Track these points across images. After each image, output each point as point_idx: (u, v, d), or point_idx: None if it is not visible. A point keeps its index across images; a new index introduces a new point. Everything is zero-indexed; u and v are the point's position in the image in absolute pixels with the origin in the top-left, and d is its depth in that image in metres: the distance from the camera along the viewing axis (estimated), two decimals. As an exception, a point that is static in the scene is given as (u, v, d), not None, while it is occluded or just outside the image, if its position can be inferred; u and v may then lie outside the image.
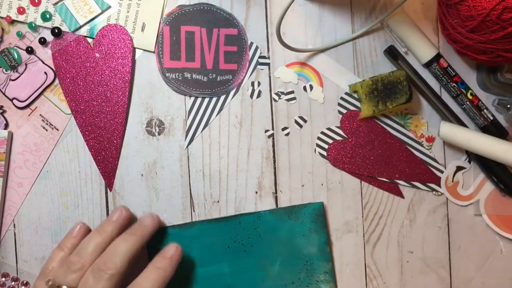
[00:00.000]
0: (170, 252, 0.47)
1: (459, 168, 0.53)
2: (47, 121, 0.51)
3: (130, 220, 0.49)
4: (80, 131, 0.51)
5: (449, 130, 0.50)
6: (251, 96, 0.52)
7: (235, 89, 0.51)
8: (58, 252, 0.47)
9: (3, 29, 0.50)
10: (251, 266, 0.50)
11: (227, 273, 0.50)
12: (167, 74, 0.51)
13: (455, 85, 0.51)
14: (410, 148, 0.53)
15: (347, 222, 0.52)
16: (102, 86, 0.50)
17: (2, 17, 0.50)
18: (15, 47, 0.50)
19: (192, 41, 0.51)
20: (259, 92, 0.52)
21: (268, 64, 0.52)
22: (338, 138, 0.52)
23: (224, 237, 0.51)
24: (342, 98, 0.52)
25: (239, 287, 0.50)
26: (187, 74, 0.51)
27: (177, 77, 0.51)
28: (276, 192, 0.52)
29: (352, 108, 0.52)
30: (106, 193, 0.51)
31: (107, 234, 0.46)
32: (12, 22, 0.50)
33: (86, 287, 0.43)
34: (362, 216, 0.52)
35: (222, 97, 0.51)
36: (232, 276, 0.50)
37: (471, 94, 0.51)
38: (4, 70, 0.50)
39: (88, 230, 0.49)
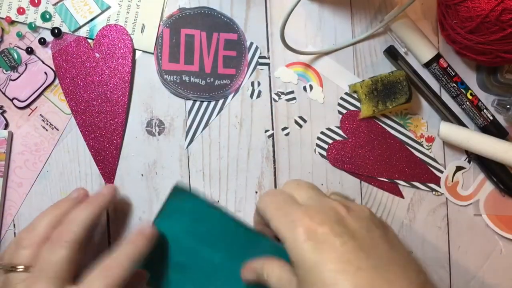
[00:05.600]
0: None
1: (459, 168, 0.53)
2: (47, 121, 0.51)
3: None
4: (80, 131, 0.51)
5: (449, 130, 0.50)
6: (251, 96, 0.52)
7: (232, 93, 0.51)
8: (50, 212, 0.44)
9: (3, 30, 0.50)
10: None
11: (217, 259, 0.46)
12: (165, 76, 0.51)
13: (455, 85, 0.51)
14: (410, 148, 0.53)
15: (347, 222, 0.52)
16: (102, 86, 0.50)
17: (2, 18, 0.50)
18: (15, 48, 0.50)
19: (191, 44, 0.51)
20: (259, 92, 0.52)
21: (268, 64, 0.52)
22: (338, 138, 0.52)
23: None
24: (342, 98, 0.52)
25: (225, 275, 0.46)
26: (185, 77, 0.51)
27: (175, 79, 0.51)
28: (276, 192, 0.52)
29: (352, 108, 0.52)
30: (106, 193, 0.51)
31: (63, 209, 0.43)
32: (12, 22, 0.50)
33: (41, 260, 0.39)
34: (362, 216, 0.52)
35: (221, 100, 0.51)
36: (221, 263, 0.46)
37: (470, 94, 0.51)
38: (4, 70, 0.50)
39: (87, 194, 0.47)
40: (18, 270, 0.39)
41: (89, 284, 0.38)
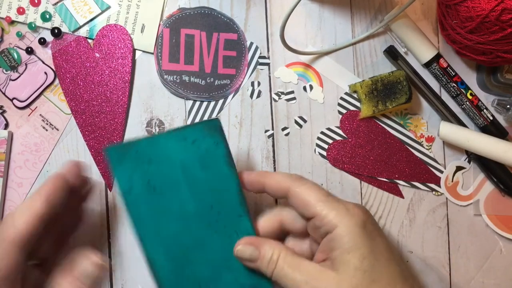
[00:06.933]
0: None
1: (459, 168, 0.53)
2: (47, 121, 0.51)
3: None
4: (80, 131, 0.51)
5: (449, 130, 0.50)
6: (251, 96, 0.52)
7: (232, 93, 0.51)
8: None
9: (3, 30, 0.50)
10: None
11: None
12: (165, 76, 0.51)
13: (455, 85, 0.51)
14: (410, 148, 0.53)
15: (347, 222, 0.52)
16: (102, 86, 0.50)
17: (2, 18, 0.50)
18: (15, 47, 0.50)
19: (191, 44, 0.51)
20: (259, 92, 0.52)
21: (268, 64, 0.52)
22: (338, 138, 0.52)
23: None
24: (342, 98, 0.52)
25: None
26: (185, 77, 0.51)
27: (175, 79, 0.51)
28: (276, 192, 0.52)
29: (352, 108, 0.52)
30: (106, 193, 0.51)
31: None
32: (12, 22, 0.50)
33: None
34: (362, 216, 0.52)
35: (221, 100, 0.51)
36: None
37: (470, 94, 0.51)
38: (4, 70, 0.50)
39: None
40: None
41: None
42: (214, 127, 0.44)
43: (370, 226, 0.38)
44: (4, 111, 0.50)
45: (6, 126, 0.51)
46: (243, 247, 0.42)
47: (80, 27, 0.50)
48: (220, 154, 0.45)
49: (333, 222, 0.37)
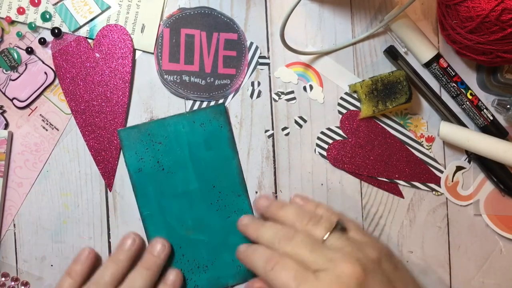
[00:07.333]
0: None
1: (459, 168, 0.53)
2: (47, 121, 0.51)
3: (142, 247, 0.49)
4: (80, 131, 0.51)
5: (449, 130, 0.50)
6: (251, 96, 0.52)
7: (232, 93, 0.51)
8: (66, 279, 0.46)
9: (3, 29, 0.50)
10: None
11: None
12: (165, 76, 0.51)
13: (455, 85, 0.51)
14: (410, 148, 0.53)
15: (347, 222, 0.52)
16: (102, 86, 0.50)
17: (2, 18, 0.50)
18: (15, 47, 0.50)
19: (191, 44, 0.51)
20: (259, 92, 0.52)
21: (268, 64, 0.52)
22: (338, 138, 0.52)
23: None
24: (342, 98, 0.52)
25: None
26: (185, 77, 0.51)
27: (175, 79, 0.51)
28: (276, 192, 0.52)
29: (352, 108, 0.52)
30: (106, 193, 0.51)
31: (122, 264, 0.46)
32: (12, 22, 0.50)
33: None
34: (362, 216, 0.52)
35: (221, 100, 0.51)
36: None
37: (470, 94, 0.51)
38: (4, 70, 0.50)
39: (96, 257, 0.49)
40: None
41: None
42: (220, 111, 0.50)
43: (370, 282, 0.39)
44: (4, 111, 0.50)
45: (6, 126, 0.51)
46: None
47: (80, 27, 0.50)
48: (224, 136, 0.50)
49: None
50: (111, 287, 0.45)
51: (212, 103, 0.51)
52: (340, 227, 0.42)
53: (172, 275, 0.48)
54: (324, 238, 0.41)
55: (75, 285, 0.46)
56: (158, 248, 0.48)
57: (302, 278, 0.38)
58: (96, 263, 0.48)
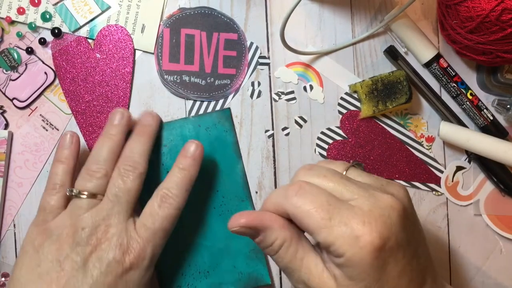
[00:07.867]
0: (191, 150, 0.45)
1: (459, 168, 0.53)
2: (47, 121, 0.51)
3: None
4: (81, 131, 0.51)
5: (449, 130, 0.50)
6: (251, 96, 0.52)
7: (232, 93, 0.52)
8: (58, 165, 0.45)
9: (3, 30, 0.50)
10: None
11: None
12: (165, 76, 0.51)
13: (455, 85, 0.51)
14: (410, 148, 0.53)
15: (347, 222, 0.52)
16: (103, 87, 0.50)
17: (2, 18, 0.50)
18: (15, 48, 0.50)
19: (191, 44, 0.51)
20: (259, 92, 0.52)
21: (268, 64, 0.52)
22: (338, 138, 0.52)
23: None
24: (342, 98, 0.52)
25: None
26: (185, 77, 0.51)
27: (175, 79, 0.51)
28: (276, 192, 0.52)
29: (352, 108, 0.52)
30: (106, 193, 0.51)
31: (116, 137, 0.45)
32: (12, 22, 0.50)
33: (117, 189, 0.43)
34: (362, 216, 0.52)
35: (221, 100, 0.52)
36: None
37: (471, 94, 0.51)
38: (4, 70, 0.50)
39: (79, 139, 0.47)
40: (83, 197, 0.43)
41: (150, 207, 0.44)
42: (225, 116, 0.50)
43: (384, 254, 0.32)
44: (4, 111, 0.50)
45: (6, 126, 0.51)
46: (244, 230, 0.36)
47: (81, 27, 0.50)
48: (229, 141, 0.50)
49: (338, 252, 0.32)
50: (111, 162, 0.44)
51: (212, 103, 0.51)
52: (356, 163, 0.38)
53: (192, 147, 0.45)
54: (344, 173, 0.36)
55: (68, 168, 0.45)
56: (148, 118, 0.47)
57: (336, 204, 0.33)
58: (80, 146, 0.47)
